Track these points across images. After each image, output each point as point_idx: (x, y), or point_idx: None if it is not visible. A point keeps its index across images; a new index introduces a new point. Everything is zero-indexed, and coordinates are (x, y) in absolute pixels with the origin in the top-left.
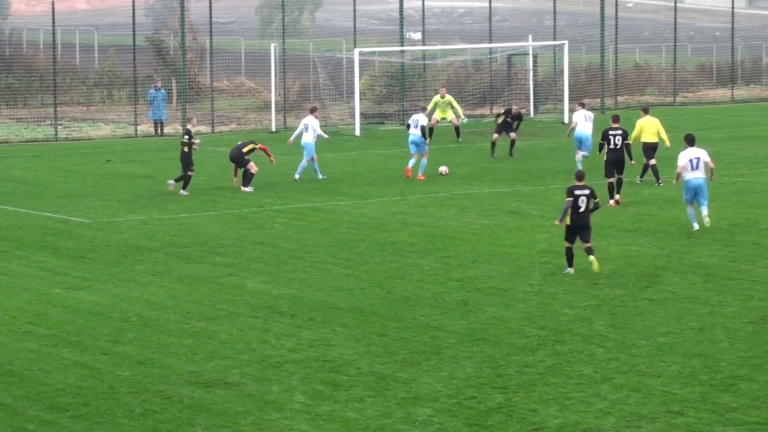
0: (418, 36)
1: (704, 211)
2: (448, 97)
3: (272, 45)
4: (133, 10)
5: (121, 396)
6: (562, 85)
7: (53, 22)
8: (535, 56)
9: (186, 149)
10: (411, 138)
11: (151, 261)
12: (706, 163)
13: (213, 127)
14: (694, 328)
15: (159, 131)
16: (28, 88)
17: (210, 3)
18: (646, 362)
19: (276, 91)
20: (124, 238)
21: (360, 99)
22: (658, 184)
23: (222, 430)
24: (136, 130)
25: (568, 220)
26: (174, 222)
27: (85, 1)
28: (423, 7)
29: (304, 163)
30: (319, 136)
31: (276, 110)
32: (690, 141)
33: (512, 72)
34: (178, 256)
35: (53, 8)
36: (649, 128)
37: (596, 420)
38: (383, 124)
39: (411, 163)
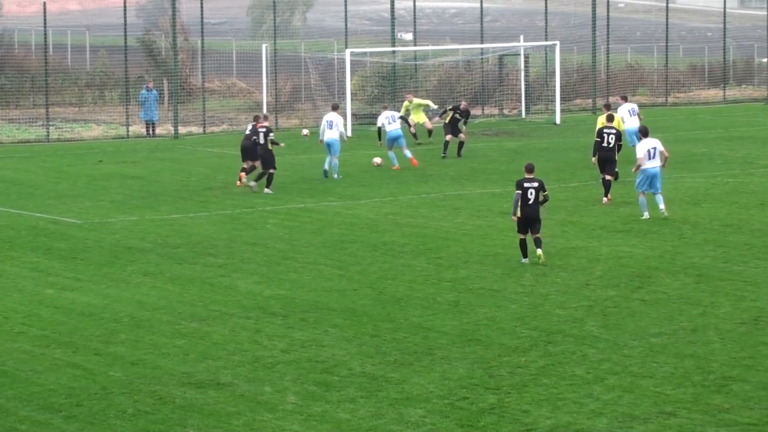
0: (409, 36)
1: (661, 205)
2: (416, 101)
3: (264, 45)
4: (125, 10)
5: (114, 396)
6: (554, 86)
7: (45, 23)
8: (526, 57)
9: (270, 147)
10: (392, 134)
11: (143, 262)
12: (661, 152)
13: (204, 127)
14: (686, 328)
15: (151, 132)
16: (19, 89)
17: (201, 4)
18: (638, 363)
19: (267, 92)
20: (116, 239)
21: (351, 99)
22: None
23: (214, 431)
24: (127, 131)
25: (519, 212)
26: (166, 222)
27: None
28: (414, 8)
29: (335, 160)
30: (340, 134)
31: (268, 111)
32: (645, 133)
33: (504, 72)
34: (170, 257)
35: (45, 9)
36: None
37: (588, 421)
38: (374, 124)
39: (394, 159)
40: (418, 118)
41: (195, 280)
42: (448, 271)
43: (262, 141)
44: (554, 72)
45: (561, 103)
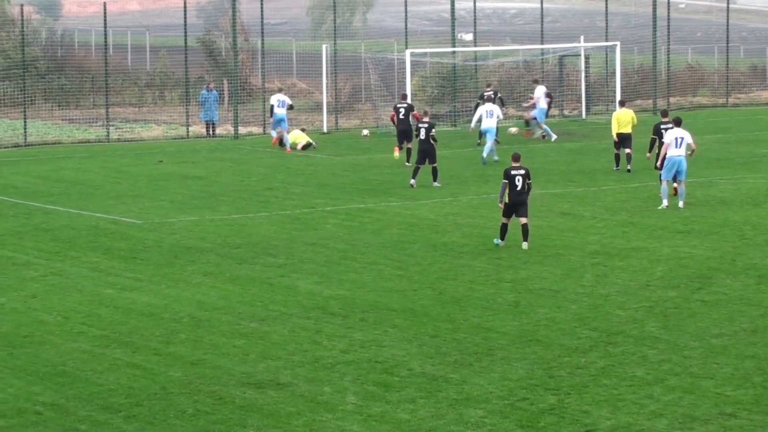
0: (469, 37)
1: (681, 200)
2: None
3: (324, 46)
4: (185, 11)
5: (173, 396)
6: (614, 87)
7: (105, 23)
8: (587, 57)
9: (432, 142)
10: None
11: (203, 262)
12: (688, 144)
13: (264, 128)
14: (746, 329)
15: (211, 132)
16: (80, 89)
17: (261, 4)
18: (698, 364)
19: (327, 92)
20: (175, 239)
21: (411, 100)
22: (616, 169)
23: (274, 431)
24: (187, 131)
25: (507, 199)
26: (226, 223)
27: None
28: (474, 8)
29: (491, 144)
30: (499, 119)
31: (327, 111)
32: (677, 122)
33: (564, 73)
34: (230, 257)
35: (105, 9)
36: (623, 119)
37: (649, 422)
38: (435, 125)
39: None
40: None
41: (255, 280)
42: (508, 272)
43: (423, 136)
44: (614, 72)
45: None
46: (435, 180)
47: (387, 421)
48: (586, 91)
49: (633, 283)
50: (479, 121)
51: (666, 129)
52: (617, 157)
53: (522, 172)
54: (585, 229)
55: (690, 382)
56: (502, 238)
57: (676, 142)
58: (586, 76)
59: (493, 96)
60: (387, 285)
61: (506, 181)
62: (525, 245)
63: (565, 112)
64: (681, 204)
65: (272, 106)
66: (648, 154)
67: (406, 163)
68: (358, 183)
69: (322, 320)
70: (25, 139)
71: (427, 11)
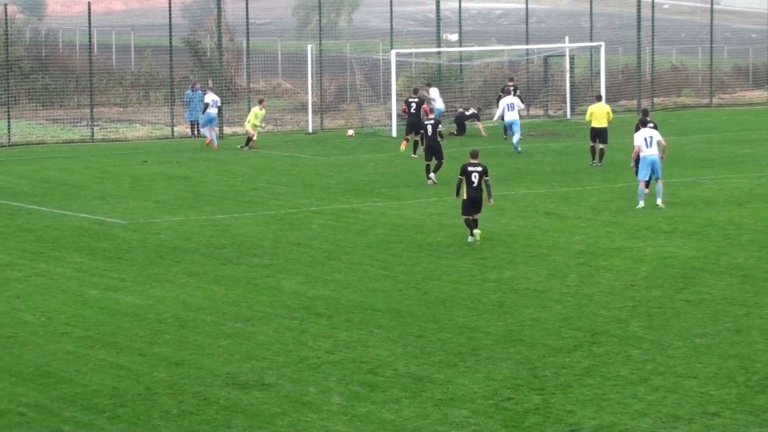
0: (454, 37)
1: (659, 198)
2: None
3: (309, 46)
4: (170, 11)
5: (158, 397)
6: (599, 87)
7: (89, 23)
8: (571, 58)
9: (438, 138)
10: (509, 120)
11: (188, 262)
12: (658, 142)
13: None
14: (730, 329)
15: (196, 132)
16: (64, 89)
17: (246, 4)
18: (682, 363)
19: (313, 92)
20: (160, 239)
21: (397, 100)
22: (592, 164)
23: None
24: (172, 131)
25: (464, 194)
26: (210, 223)
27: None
28: (460, 9)
29: (519, 136)
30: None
31: (313, 111)
32: (644, 123)
33: (549, 73)
34: (215, 258)
35: (89, 9)
36: (597, 113)
37: (633, 421)
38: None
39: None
40: None
41: (240, 281)
42: (493, 272)
43: (429, 132)
44: (599, 73)
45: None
46: (435, 171)
47: (372, 421)
48: (571, 92)
49: (617, 283)
50: (502, 116)
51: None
52: (593, 150)
53: (479, 169)
54: (569, 229)
55: (674, 382)
56: (471, 233)
57: (647, 142)
58: (570, 77)
59: (512, 90)
60: (372, 285)
61: (462, 177)
62: (477, 231)
63: (550, 113)
64: (659, 202)
65: (206, 105)
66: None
67: (413, 155)
68: (343, 183)
69: (307, 320)
70: (9, 139)
71: (412, 12)
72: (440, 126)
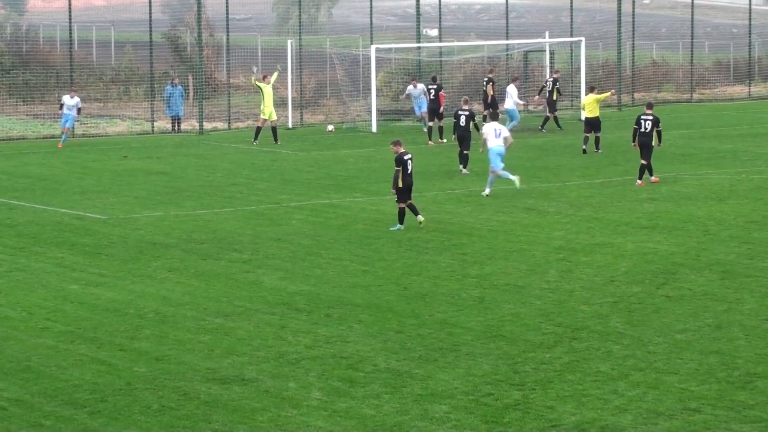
0: (434, 33)
1: (508, 175)
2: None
3: (289, 41)
4: (150, 6)
5: (138, 392)
6: (579, 82)
7: (70, 19)
8: (551, 53)
9: (474, 129)
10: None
11: (168, 257)
12: (506, 138)
13: (230, 123)
14: (711, 325)
15: (176, 128)
16: (44, 85)
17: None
18: (663, 359)
19: (293, 88)
20: (140, 235)
21: (377, 95)
22: (585, 149)
23: (239, 427)
24: (152, 127)
25: (401, 183)
26: (191, 218)
27: None
28: (440, 4)
29: (515, 123)
30: (516, 103)
31: (293, 107)
32: (494, 117)
33: (529, 69)
34: (195, 253)
35: (70, 4)
36: (586, 105)
37: (613, 417)
38: (400, 120)
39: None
40: None
41: (220, 276)
42: (473, 267)
43: (463, 123)
44: (579, 68)
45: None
46: (465, 167)
47: (352, 417)
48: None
49: (597, 279)
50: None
51: (645, 119)
52: (585, 139)
53: (410, 155)
54: (550, 225)
55: (654, 378)
56: (401, 222)
57: (495, 132)
58: (551, 72)
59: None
60: (352, 281)
61: (399, 169)
62: (420, 217)
63: (530, 108)
64: (520, 186)
65: (63, 105)
66: (633, 144)
67: (431, 142)
68: (323, 178)
69: (287, 316)
70: None
71: (392, 7)
72: (476, 117)
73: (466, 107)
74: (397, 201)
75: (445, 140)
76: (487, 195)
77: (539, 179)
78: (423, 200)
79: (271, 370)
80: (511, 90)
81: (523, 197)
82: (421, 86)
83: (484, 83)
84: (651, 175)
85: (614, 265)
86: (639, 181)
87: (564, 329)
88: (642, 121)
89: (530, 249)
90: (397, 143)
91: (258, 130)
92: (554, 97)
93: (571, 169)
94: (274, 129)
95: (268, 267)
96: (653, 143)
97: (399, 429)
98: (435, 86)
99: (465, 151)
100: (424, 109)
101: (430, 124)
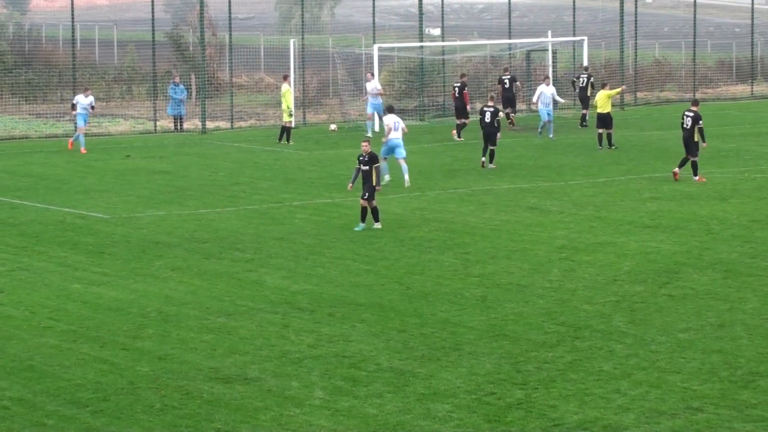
0: (437, 32)
1: (406, 176)
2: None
3: (291, 41)
4: (153, 5)
5: (141, 391)
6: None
7: (72, 18)
8: (554, 52)
9: (496, 125)
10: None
11: (171, 257)
12: (402, 129)
13: (232, 122)
14: (713, 324)
15: (178, 127)
16: (47, 84)
17: None
18: (665, 358)
19: (295, 87)
20: (143, 234)
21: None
22: (600, 148)
23: (242, 426)
24: (155, 126)
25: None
26: (193, 217)
27: None
28: (442, 3)
29: (547, 123)
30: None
31: (295, 106)
32: (390, 109)
33: (532, 68)
34: (198, 252)
35: (72, 4)
36: (598, 102)
37: (616, 416)
38: (403, 119)
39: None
40: None
41: (222, 275)
42: (476, 267)
43: (488, 119)
44: (582, 67)
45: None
46: (491, 162)
47: (354, 416)
48: (554, 86)
49: (600, 278)
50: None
51: (686, 116)
52: (599, 137)
53: (367, 158)
54: (552, 224)
55: (657, 377)
56: (363, 220)
57: (395, 125)
58: (553, 71)
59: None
60: (354, 280)
61: (359, 168)
62: (378, 225)
63: (533, 107)
64: (408, 184)
65: (76, 104)
66: (705, 144)
67: (458, 138)
68: (325, 178)
69: (290, 315)
70: None
71: (394, 6)
72: (500, 114)
73: (491, 104)
74: (361, 197)
75: (462, 138)
76: (388, 181)
77: (542, 178)
78: (425, 199)
79: (273, 369)
80: (543, 90)
81: (526, 196)
82: (375, 82)
83: (507, 82)
84: (695, 174)
85: (617, 264)
86: (676, 169)
87: (567, 328)
88: (684, 117)
89: (533, 248)
90: (368, 141)
91: (287, 130)
92: (588, 93)
93: (574, 168)
94: (289, 129)
95: (270, 266)
96: (696, 140)
97: (402, 428)
98: (459, 84)
99: (491, 147)
100: (373, 111)
101: (458, 122)
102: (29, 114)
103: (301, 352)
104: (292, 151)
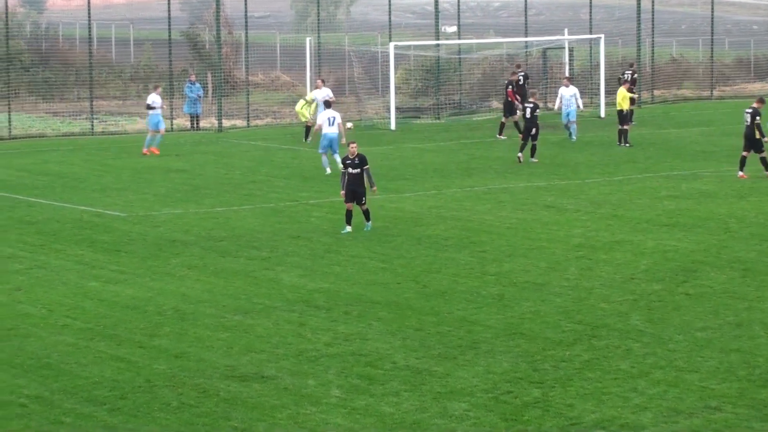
0: (453, 30)
1: (338, 158)
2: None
3: (308, 39)
4: (169, 4)
5: (158, 389)
6: (598, 79)
7: (89, 17)
8: (570, 50)
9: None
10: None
11: (187, 255)
12: (339, 124)
13: (248, 121)
14: (731, 323)
15: (195, 125)
16: (64, 82)
17: None
18: (683, 357)
19: (311, 85)
20: (160, 232)
21: (395, 93)
22: (619, 144)
23: (258, 424)
24: (171, 124)
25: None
26: (210, 216)
27: None
28: (458, 1)
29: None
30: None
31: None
32: (327, 104)
33: (548, 66)
34: (214, 250)
35: (89, 2)
36: (617, 98)
37: (633, 415)
38: (418, 118)
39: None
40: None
41: (239, 273)
42: (492, 265)
43: (528, 115)
44: (599, 65)
45: (606, 97)
46: (533, 156)
47: (371, 414)
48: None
49: (617, 277)
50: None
51: (746, 112)
52: (618, 133)
53: (357, 161)
54: (569, 222)
55: (675, 376)
56: (348, 224)
57: (329, 121)
58: (570, 69)
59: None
60: (371, 278)
61: (344, 171)
62: (369, 225)
63: (549, 105)
64: (328, 172)
65: (152, 104)
66: (765, 138)
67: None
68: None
69: (306, 313)
70: (10, 131)
71: (410, 4)
72: (538, 110)
73: (532, 99)
74: (345, 201)
75: (504, 137)
76: (329, 173)
77: (558, 176)
78: (442, 198)
79: (290, 367)
80: (563, 92)
81: (543, 195)
82: (326, 90)
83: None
84: (766, 169)
85: (634, 262)
86: (740, 173)
87: (584, 327)
88: (744, 114)
89: (550, 246)
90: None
91: (309, 128)
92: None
93: (591, 167)
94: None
95: (287, 264)
96: (756, 136)
97: (418, 427)
98: (507, 81)
99: (534, 142)
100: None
101: (504, 120)
102: (46, 112)
103: (317, 350)
104: (309, 150)
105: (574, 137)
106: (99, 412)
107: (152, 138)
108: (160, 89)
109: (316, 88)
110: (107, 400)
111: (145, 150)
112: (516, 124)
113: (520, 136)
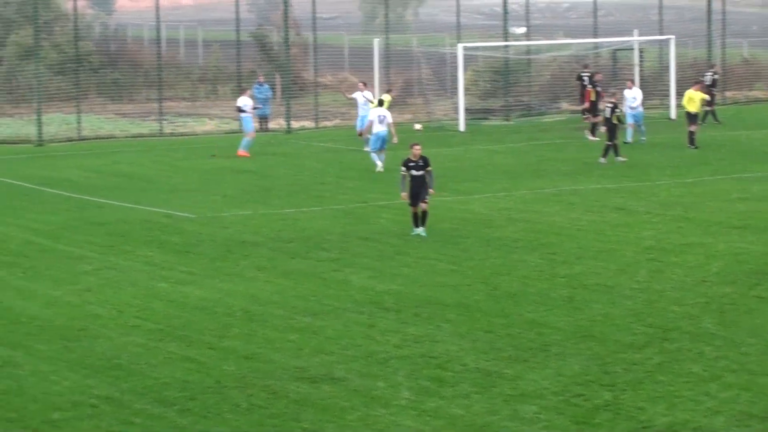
0: (522, 31)
1: (374, 157)
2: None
3: (375, 40)
4: (237, 5)
5: (228, 390)
6: (669, 81)
7: (158, 18)
8: (641, 51)
9: (615, 121)
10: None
11: (256, 256)
12: (389, 124)
13: (317, 122)
14: None
15: (264, 127)
16: (133, 84)
17: None
18: (756, 361)
19: (380, 87)
20: (229, 233)
21: (464, 94)
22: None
23: (328, 426)
24: (240, 126)
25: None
26: (279, 217)
27: None
28: (527, 2)
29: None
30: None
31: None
32: (380, 103)
33: (618, 67)
34: (283, 251)
35: (157, 4)
36: (685, 99)
37: (705, 419)
38: (487, 119)
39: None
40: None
41: (308, 275)
42: (562, 267)
43: (608, 115)
44: (669, 66)
45: (676, 98)
46: (617, 155)
47: (441, 417)
48: (640, 86)
49: (689, 279)
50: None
51: None
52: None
53: (420, 162)
54: (639, 225)
55: (747, 379)
56: (416, 226)
57: (379, 119)
58: (640, 71)
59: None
60: (440, 280)
61: (406, 173)
62: (422, 228)
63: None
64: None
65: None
66: None
67: (591, 137)
68: None
69: (376, 315)
70: (79, 133)
71: (479, 5)
72: (617, 110)
73: (613, 100)
74: (410, 204)
75: (596, 138)
76: (380, 170)
77: (629, 178)
78: (511, 199)
79: (359, 369)
80: (626, 94)
81: (613, 197)
82: (367, 93)
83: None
84: None
85: (706, 265)
86: None
87: (655, 330)
88: None
89: (620, 249)
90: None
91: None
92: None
93: (661, 168)
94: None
95: (356, 266)
96: None
97: (488, 429)
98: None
99: (615, 141)
100: (363, 126)
101: (586, 119)
102: (115, 114)
103: (387, 352)
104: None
105: (629, 139)
106: (169, 413)
107: (250, 140)
108: (249, 92)
109: (360, 90)
110: (177, 400)
111: (241, 152)
112: (593, 125)
113: (595, 138)
